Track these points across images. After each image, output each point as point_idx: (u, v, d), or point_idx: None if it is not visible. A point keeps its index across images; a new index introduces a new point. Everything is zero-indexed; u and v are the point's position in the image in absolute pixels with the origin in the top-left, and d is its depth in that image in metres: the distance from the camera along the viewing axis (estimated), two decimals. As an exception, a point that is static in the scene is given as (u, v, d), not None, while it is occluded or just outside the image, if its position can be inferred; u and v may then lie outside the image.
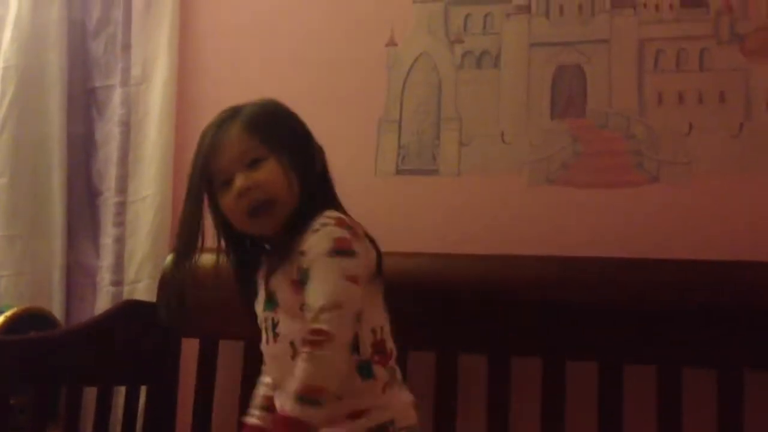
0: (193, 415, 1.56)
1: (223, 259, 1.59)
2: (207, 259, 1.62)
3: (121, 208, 1.80)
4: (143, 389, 1.58)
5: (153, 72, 1.82)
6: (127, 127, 1.83)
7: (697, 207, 1.44)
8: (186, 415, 1.57)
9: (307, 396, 1.04)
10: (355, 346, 1.12)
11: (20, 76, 1.88)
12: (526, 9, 1.59)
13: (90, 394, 1.52)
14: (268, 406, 1.25)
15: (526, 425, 1.38)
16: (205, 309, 1.58)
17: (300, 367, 1.05)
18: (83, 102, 1.93)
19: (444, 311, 1.41)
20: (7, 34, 1.90)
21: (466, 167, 1.60)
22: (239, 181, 1.17)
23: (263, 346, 1.21)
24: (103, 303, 1.75)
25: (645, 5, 1.52)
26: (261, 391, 1.30)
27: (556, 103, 1.56)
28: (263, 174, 1.17)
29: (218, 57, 1.83)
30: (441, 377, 1.43)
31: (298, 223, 1.16)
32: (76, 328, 1.59)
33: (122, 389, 1.57)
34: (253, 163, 1.18)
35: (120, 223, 1.79)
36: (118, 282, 1.76)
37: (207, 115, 1.79)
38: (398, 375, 1.19)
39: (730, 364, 1.30)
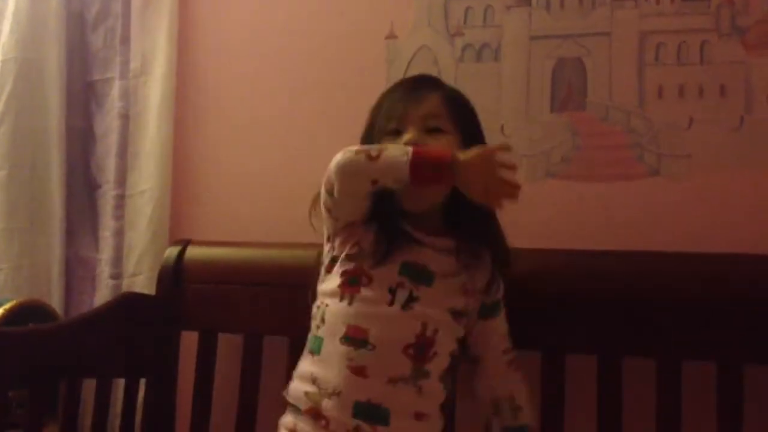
0: (193, 408, 1.56)
1: (225, 251, 1.60)
2: (208, 252, 1.64)
3: (120, 201, 1.80)
4: (142, 382, 1.58)
5: (152, 65, 1.82)
6: (126, 120, 1.83)
7: (698, 200, 1.44)
8: (186, 407, 1.57)
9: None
10: (454, 363, 1.21)
11: (19, 69, 1.87)
12: (527, 2, 1.58)
13: (89, 388, 1.52)
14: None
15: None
16: (205, 302, 1.59)
17: (528, 388, 1.27)
18: (82, 95, 1.93)
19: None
20: (6, 26, 1.90)
21: (465, 161, 1.59)
22: (410, 134, 1.15)
23: (375, 302, 1.14)
24: (102, 296, 1.75)
25: (645, -2, 1.51)
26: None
27: (556, 96, 1.55)
28: (438, 143, 1.14)
29: (217, 50, 1.82)
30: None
31: (475, 228, 1.19)
32: (75, 319, 1.59)
33: (121, 382, 1.57)
34: (434, 131, 1.16)
35: (119, 216, 1.79)
36: (117, 275, 1.76)
37: (206, 108, 1.82)
38: None
39: (729, 357, 1.29)
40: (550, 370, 1.37)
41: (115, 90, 1.86)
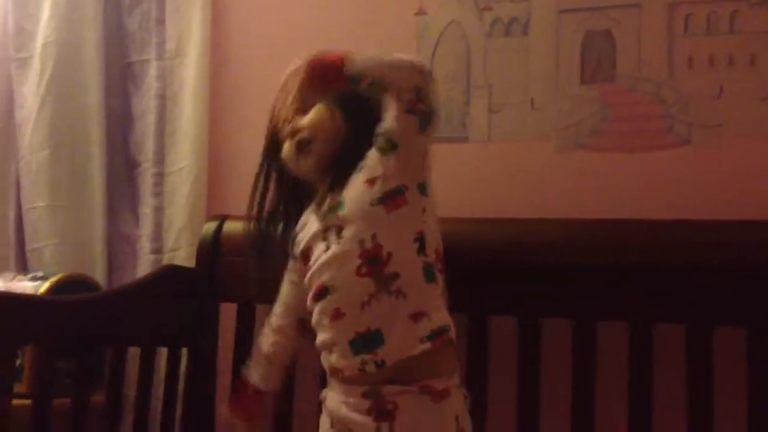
0: (232, 377, 1.60)
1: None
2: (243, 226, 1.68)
3: (159, 178, 1.84)
4: (184, 352, 1.63)
5: (187, 46, 1.86)
6: (162, 100, 1.87)
7: (729, 169, 1.45)
8: (225, 376, 1.61)
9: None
10: (422, 246, 1.18)
11: (59, 52, 1.92)
12: (556, -25, 1.59)
13: (133, 360, 1.57)
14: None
15: (559, 384, 1.41)
16: (242, 274, 1.62)
17: None
18: (120, 76, 1.97)
19: (473, 275, 1.42)
20: (46, 11, 1.94)
21: (495, 134, 1.62)
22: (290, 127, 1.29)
23: (318, 256, 1.22)
24: (143, 271, 1.80)
25: (675, -31, 1.52)
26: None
27: (586, 68, 1.56)
28: (308, 116, 1.28)
29: (248, 29, 1.86)
30: (472, 340, 1.45)
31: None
32: (119, 289, 1.65)
33: (164, 353, 1.62)
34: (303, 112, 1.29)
35: (158, 193, 1.84)
36: (157, 250, 1.81)
37: (240, 86, 1.85)
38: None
39: (760, 324, 1.31)
40: (580, 336, 1.40)
41: (152, 71, 1.90)
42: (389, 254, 1.16)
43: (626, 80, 1.53)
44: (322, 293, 1.20)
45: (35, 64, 1.95)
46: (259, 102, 1.82)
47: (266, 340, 1.38)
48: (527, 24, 1.61)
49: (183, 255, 1.76)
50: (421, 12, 1.69)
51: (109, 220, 1.91)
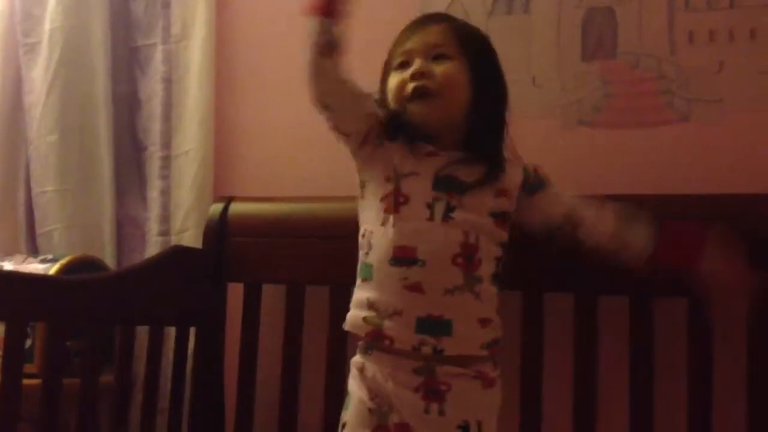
0: (240, 355, 1.63)
1: (266, 207, 1.67)
2: (250, 207, 1.71)
3: (166, 161, 1.86)
4: (192, 331, 1.66)
5: (192, 30, 1.87)
6: (169, 83, 1.89)
7: (729, 143, 1.46)
8: (233, 354, 1.64)
9: None
10: (499, 263, 1.21)
11: (66, 37, 1.93)
12: (557, -47, 1.60)
13: (142, 340, 1.60)
14: None
15: (562, 363, 1.43)
16: (249, 255, 1.65)
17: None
18: (126, 61, 1.99)
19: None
20: (53, -4, 1.97)
21: (498, 112, 1.62)
22: (416, 65, 1.20)
23: (417, 219, 1.17)
24: (151, 252, 1.82)
25: (675, -56, 1.52)
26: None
27: (587, 45, 1.57)
28: (443, 68, 1.20)
29: (253, 11, 1.87)
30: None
31: (490, 138, 1.24)
32: (127, 270, 1.67)
33: (172, 332, 1.65)
34: (438, 58, 1.21)
35: (165, 176, 1.86)
36: (165, 232, 1.83)
37: (245, 69, 1.87)
38: None
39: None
40: (583, 310, 1.41)
41: (158, 55, 1.91)
42: (480, 260, 1.17)
43: (627, 57, 1.54)
44: (408, 260, 1.15)
45: (43, 49, 1.96)
46: (265, 84, 1.85)
47: None
48: (529, 2, 1.62)
49: (190, 236, 1.78)
50: (423, -9, 1.69)
51: (117, 203, 1.93)
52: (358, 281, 1.22)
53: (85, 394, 1.42)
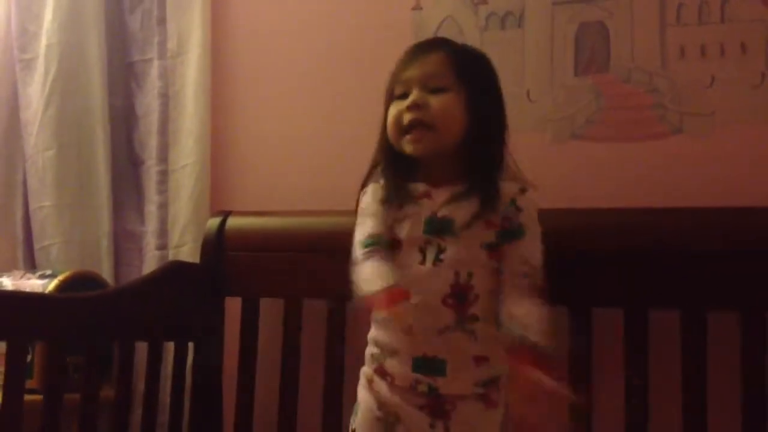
0: (239, 369, 1.63)
1: (264, 221, 1.68)
2: (248, 222, 1.72)
3: (163, 176, 1.87)
4: (191, 346, 1.67)
5: (188, 45, 1.88)
6: (165, 98, 1.90)
7: (720, 157, 1.47)
8: (232, 368, 1.65)
9: (549, 336, 1.11)
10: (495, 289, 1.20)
11: (62, 52, 1.94)
12: (549, -32, 1.62)
13: (141, 355, 1.60)
14: None
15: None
16: (246, 269, 1.66)
17: (543, 311, 1.14)
18: (123, 76, 2.00)
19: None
20: (48, 12, 1.97)
21: (492, 126, 1.64)
22: (413, 96, 1.21)
23: (410, 264, 1.19)
24: (149, 267, 1.83)
25: (666, -40, 1.54)
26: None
27: (580, 60, 1.59)
28: (439, 101, 1.21)
29: (248, 27, 1.89)
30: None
31: (485, 169, 1.22)
32: (126, 286, 1.68)
33: (171, 347, 1.66)
34: (436, 90, 1.22)
35: (162, 190, 1.87)
36: (163, 246, 1.84)
37: (241, 84, 1.88)
38: None
39: (752, 307, 1.33)
40: (578, 324, 1.42)
41: (154, 70, 1.92)
42: (476, 297, 1.18)
43: (619, 70, 1.56)
44: (402, 302, 1.15)
45: (39, 65, 1.97)
46: (260, 99, 1.86)
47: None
48: (522, 17, 1.64)
49: (188, 251, 1.79)
50: (417, 7, 1.71)
51: (115, 218, 1.94)
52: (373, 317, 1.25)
53: (85, 409, 1.43)
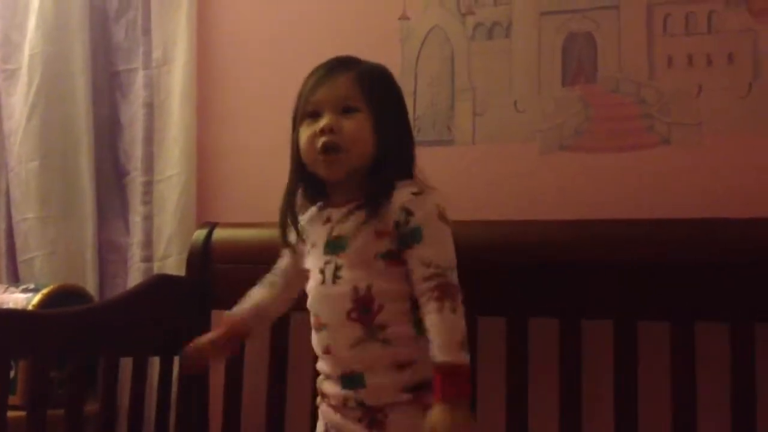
0: (225, 382, 1.62)
1: (250, 233, 1.67)
2: (234, 234, 1.70)
3: (148, 187, 1.86)
4: (176, 359, 1.65)
5: (173, 54, 1.88)
6: (150, 108, 1.89)
7: (708, 167, 1.47)
8: (218, 382, 1.63)
9: (465, 343, 1.13)
10: (415, 302, 1.19)
11: (46, 62, 1.94)
12: (536, -22, 1.61)
13: (126, 368, 1.59)
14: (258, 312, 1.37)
15: (541, 386, 1.43)
16: (233, 281, 1.63)
17: (448, 318, 1.14)
18: (107, 85, 1.99)
19: (459, 276, 1.44)
20: (32, 22, 1.96)
21: (480, 136, 1.63)
22: (326, 120, 1.22)
23: (315, 287, 1.24)
24: (134, 279, 1.82)
25: (652, -30, 1.54)
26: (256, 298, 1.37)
27: (567, 70, 1.58)
28: (351, 124, 1.22)
29: (234, 36, 1.88)
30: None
31: (379, 182, 1.22)
32: (110, 301, 1.66)
33: (156, 360, 1.64)
34: (347, 111, 1.23)
35: (147, 201, 1.86)
36: (148, 258, 1.83)
37: (227, 94, 1.87)
38: None
39: (741, 318, 1.33)
40: (567, 334, 1.41)
41: (139, 80, 1.91)
42: (381, 306, 1.19)
43: (607, 81, 1.55)
44: (318, 327, 1.24)
45: (23, 75, 1.96)
46: (246, 109, 1.85)
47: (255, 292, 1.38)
48: (509, 27, 1.63)
49: (173, 262, 1.78)
50: (404, 17, 1.71)
51: (100, 229, 1.92)
52: None
53: (69, 424, 1.41)
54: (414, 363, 1.19)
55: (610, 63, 1.55)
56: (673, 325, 1.36)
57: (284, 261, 1.38)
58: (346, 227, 1.23)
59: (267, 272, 1.62)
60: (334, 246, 1.23)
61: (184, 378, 1.65)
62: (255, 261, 1.63)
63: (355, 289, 1.19)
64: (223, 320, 1.37)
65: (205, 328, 1.65)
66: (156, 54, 1.89)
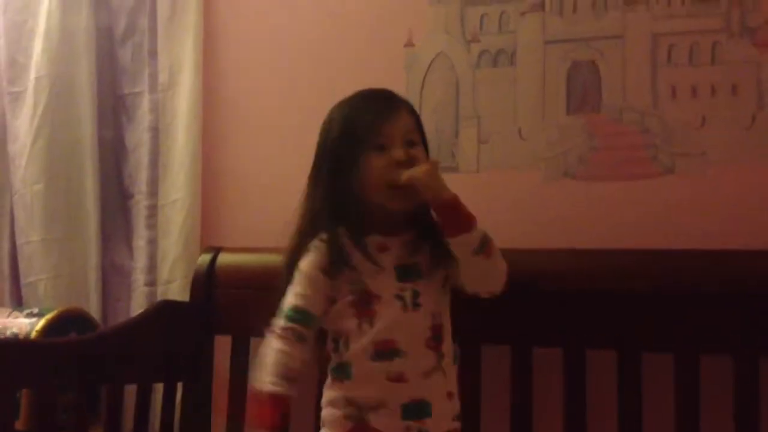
0: (228, 409, 1.61)
1: (255, 258, 1.66)
2: (239, 259, 1.70)
3: (153, 210, 1.86)
4: (180, 384, 1.65)
5: (179, 78, 1.88)
6: (156, 132, 1.89)
7: (712, 197, 1.47)
8: (222, 408, 1.63)
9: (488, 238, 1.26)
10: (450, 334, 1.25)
11: (52, 85, 1.94)
12: (540, 7, 1.62)
13: (130, 391, 1.58)
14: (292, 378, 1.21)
15: (551, 410, 1.43)
16: (237, 307, 1.65)
17: None
18: (113, 108, 1.99)
19: (462, 304, 1.44)
20: (38, 45, 1.96)
21: (485, 164, 1.64)
22: (401, 152, 1.21)
23: (392, 312, 1.20)
24: (138, 303, 1.82)
25: (657, 0, 1.54)
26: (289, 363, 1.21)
27: (572, 99, 1.59)
28: (421, 155, 1.25)
29: (241, 62, 1.88)
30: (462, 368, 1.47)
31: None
32: (115, 329, 1.66)
33: (160, 386, 1.64)
34: (410, 144, 1.24)
35: (152, 225, 1.85)
36: (152, 282, 1.82)
37: (232, 118, 1.87)
38: None
39: (746, 351, 1.33)
40: (571, 365, 1.42)
41: (145, 103, 1.91)
42: (444, 336, 1.23)
43: (611, 110, 1.56)
44: (390, 353, 1.19)
45: (28, 97, 1.96)
46: (252, 134, 1.86)
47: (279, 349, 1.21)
48: (514, 55, 1.64)
49: (177, 287, 1.78)
50: (409, 44, 1.71)
51: (104, 252, 1.92)
52: (330, 381, 1.25)
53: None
54: (455, 394, 1.24)
55: (614, 92, 1.56)
56: (676, 357, 1.36)
57: (311, 302, 1.24)
58: (417, 256, 1.24)
59: (271, 298, 1.63)
60: (408, 273, 1.23)
61: (187, 403, 1.65)
62: (260, 286, 1.64)
63: (434, 316, 1.22)
64: (268, 400, 1.19)
65: (209, 353, 1.66)
66: (162, 78, 1.89)
